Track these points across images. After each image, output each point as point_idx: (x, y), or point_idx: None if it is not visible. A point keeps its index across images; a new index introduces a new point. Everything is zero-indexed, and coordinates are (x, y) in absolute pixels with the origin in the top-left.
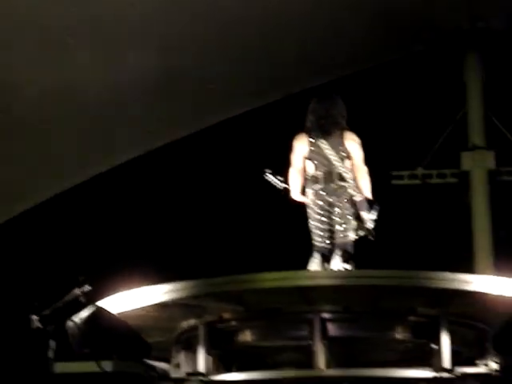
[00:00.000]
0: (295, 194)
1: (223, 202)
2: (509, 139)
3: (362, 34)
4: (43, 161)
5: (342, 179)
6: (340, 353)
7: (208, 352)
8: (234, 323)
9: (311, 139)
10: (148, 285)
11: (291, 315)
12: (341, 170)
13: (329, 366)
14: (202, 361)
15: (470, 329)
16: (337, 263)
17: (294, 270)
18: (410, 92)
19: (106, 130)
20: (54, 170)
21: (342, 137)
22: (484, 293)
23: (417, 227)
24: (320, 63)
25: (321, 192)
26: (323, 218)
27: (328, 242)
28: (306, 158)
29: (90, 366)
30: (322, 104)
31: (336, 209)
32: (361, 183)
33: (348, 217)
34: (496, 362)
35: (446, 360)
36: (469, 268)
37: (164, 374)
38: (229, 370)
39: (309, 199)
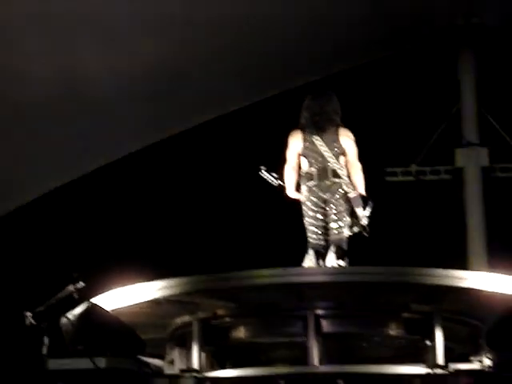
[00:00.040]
0: (290, 191)
1: (217, 199)
2: (502, 136)
3: (357, 30)
4: (38, 157)
5: (337, 176)
6: (334, 349)
7: (202, 348)
8: (227, 320)
9: (306, 136)
10: (142, 281)
11: (285, 312)
12: (335, 166)
13: (322, 362)
14: (195, 357)
15: (464, 325)
16: (331, 260)
17: (288, 266)
18: (403, 88)
19: (106, 125)
20: (53, 165)
21: (336, 133)
22: (478, 289)
23: (411, 224)
24: (313, 60)
25: (315, 189)
26: (318, 215)
27: (322, 238)
28: (301, 155)
29: (83, 363)
30: (316, 101)
31: (330, 205)
32: (355, 180)
33: (342, 213)
34: (489, 359)
35: (440, 356)
36: (462, 264)
37: (158, 371)
38: (223, 367)
39: (303, 196)
